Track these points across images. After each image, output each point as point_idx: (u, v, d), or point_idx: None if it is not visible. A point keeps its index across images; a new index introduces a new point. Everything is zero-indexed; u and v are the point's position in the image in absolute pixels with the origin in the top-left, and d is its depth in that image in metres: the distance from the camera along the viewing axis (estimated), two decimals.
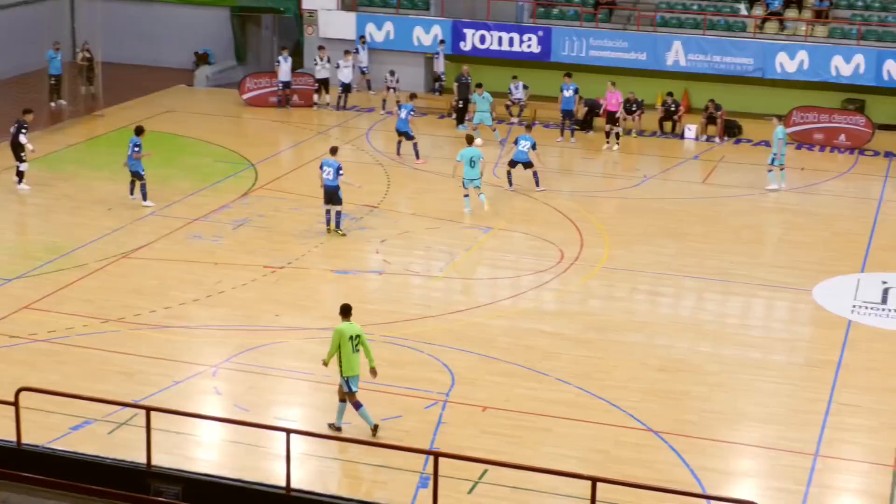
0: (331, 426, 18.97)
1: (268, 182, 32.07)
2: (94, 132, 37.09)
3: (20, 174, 30.86)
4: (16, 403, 15.25)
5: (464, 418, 19.51)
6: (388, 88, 40.49)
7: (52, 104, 39.74)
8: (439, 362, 21.50)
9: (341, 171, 27.92)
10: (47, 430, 18.14)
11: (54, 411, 18.60)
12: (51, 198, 30.36)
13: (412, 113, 34.71)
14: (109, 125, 37.68)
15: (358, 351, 18.73)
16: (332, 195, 28.04)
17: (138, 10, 47.38)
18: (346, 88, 40.82)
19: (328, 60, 41.10)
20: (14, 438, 15.35)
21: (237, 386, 20.60)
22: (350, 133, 37.79)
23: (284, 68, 40.59)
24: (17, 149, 30.73)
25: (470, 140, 30.71)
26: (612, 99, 36.52)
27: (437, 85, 42.59)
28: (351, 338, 18.62)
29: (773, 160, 32.11)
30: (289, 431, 14.84)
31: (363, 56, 42.46)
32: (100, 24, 41.62)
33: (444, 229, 28.73)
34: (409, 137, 34.39)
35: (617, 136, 36.50)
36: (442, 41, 41.51)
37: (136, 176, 29.81)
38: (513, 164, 31.97)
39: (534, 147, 31.68)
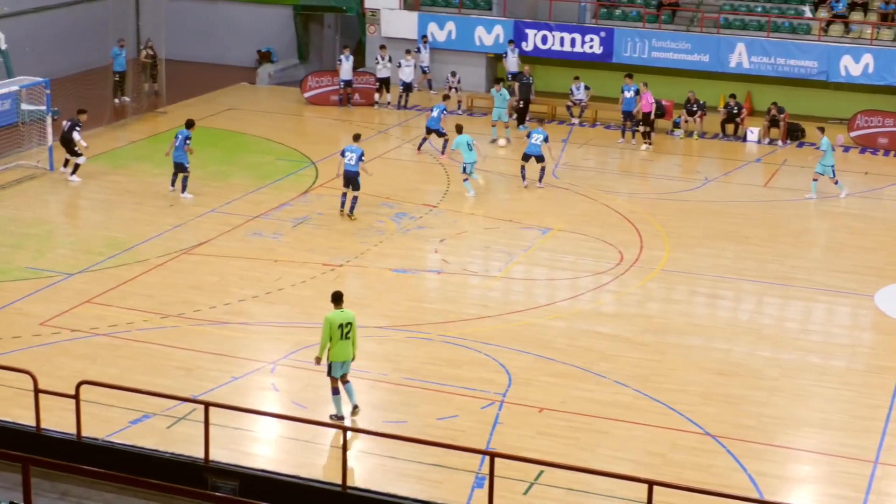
0: (333, 417, 19.01)
1: (328, 180, 32.18)
2: (157, 129, 37.39)
3: (75, 167, 31.24)
4: (76, 397, 15.44)
5: (520, 419, 19.50)
6: (450, 88, 40.53)
7: (116, 100, 40.08)
8: (496, 362, 21.50)
9: (363, 158, 28.87)
10: (107, 423, 18.31)
11: (114, 405, 18.78)
12: (113, 193, 30.64)
13: (444, 112, 34.96)
14: (172, 122, 37.92)
15: (348, 339, 18.81)
16: (352, 180, 28.90)
17: (202, 8, 47.73)
18: (407, 88, 40.91)
19: (389, 60, 41.21)
20: (74, 431, 15.55)
21: (294, 383, 20.70)
22: (410, 132, 37.86)
23: (346, 67, 40.74)
24: (69, 144, 31.26)
25: (459, 129, 31.78)
26: (645, 100, 36.40)
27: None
28: (341, 325, 18.75)
29: (824, 170, 31.58)
30: (345, 429, 14.95)
31: (425, 55, 42.53)
32: (164, 21, 41.97)
33: (502, 229, 28.72)
34: (441, 134, 34.67)
35: (648, 136, 36.40)
36: (511, 41, 41.44)
37: (180, 168, 30.22)
38: (526, 157, 32.10)
39: (546, 140, 31.92)
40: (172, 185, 30.53)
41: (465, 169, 31.16)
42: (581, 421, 19.48)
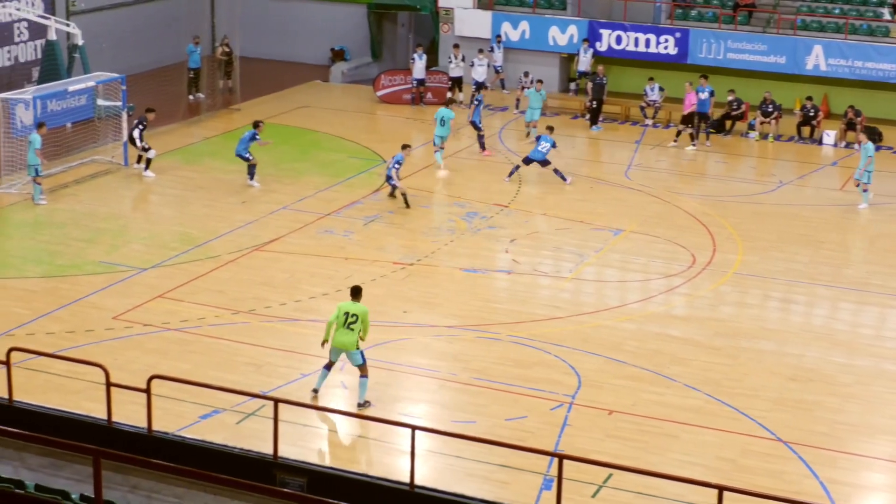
0: (362, 405, 19.59)
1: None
2: (231, 126, 37.65)
3: (147, 161, 31.55)
4: (147, 391, 15.55)
5: (589, 421, 19.41)
6: (523, 88, 40.44)
7: (191, 97, 40.42)
8: (566, 364, 21.42)
9: (398, 166, 29.47)
10: (177, 417, 18.45)
11: (184, 400, 18.91)
12: (186, 189, 30.87)
13: (481, 105, 35.19)
14: (245, 119, 38.12)
15: (350, 329, 19.32)
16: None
17: (277, 6, 47.98)
18: (480, 87, 40.88)
19: (463, 59, 41.20)
20: (145, 425, 15.65)
21: None
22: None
23: (419, 66, 40.79)
24: (134, 142, 31.70)
25: (448, 102, 34.67)
26: (689, 100, 36.13)
27: (572, 85, 42.47)
28: (346, 313, 19.34)
29: (861, 177, 30.91)
30: (414, 428, 14.90)
31: (498, 55, 42.49)
32: (239, 18, 42.26)
33: (574, 230, 28.62)
34: (477, 128, 34.88)
35: (691, 136, 36.17)
36: (586, 40, 41.28)
37: (243, 159, 30.66)
38: (527, 161, 32.27)
39: (554, 146, 32.18)
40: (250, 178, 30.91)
41: (435, 141, 32.97)
42: (651, 424, 19.36)
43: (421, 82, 40.95)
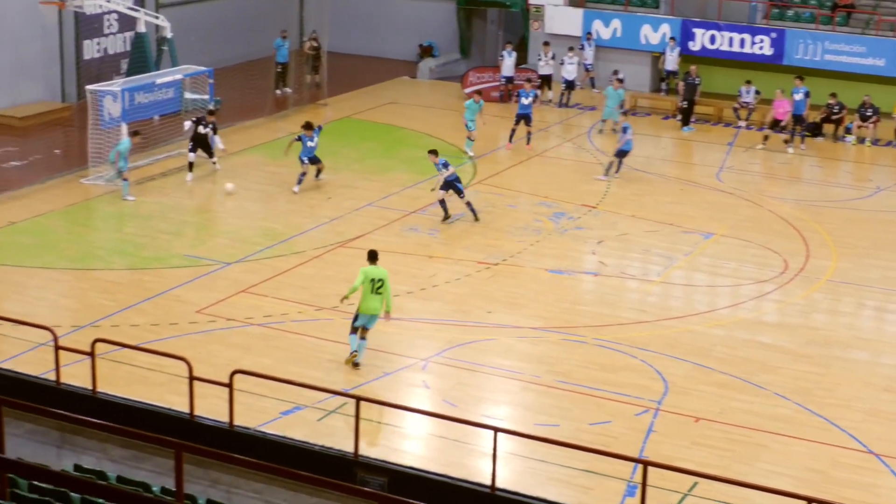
0: (354, 363, 20.80)
1: (486, 177, 32.26)
2: (317, 121, 37.72)
3: (189, 165, 31.32)
4: (230, 385, 15.70)
5: (675, 428, 19.29)
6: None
7: (278, 91, 40.71)
8: (652, 369, 21.31)
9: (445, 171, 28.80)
10: (258, 413, 18.60)
11: (266, 395, 19.06)
12: (271, 184, 31.10)
13: (536, 98, 35.29)
14: (332, 115, 38.41)
15: (378, 294, 20.63)
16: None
17: (365, 1, 48.20)
18: (570, 86, 40.79)
19: (552, 57, 41.13)
20: (227, 419, 15.80)
21: (446, 381, 20.79)
22: (571, 131, 37.74)
23: (508, 63, 40.78)
24: (199, 141, 31.33)
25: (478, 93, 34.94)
26: (780, 107, 35.71)
27: (663, 84, 42.23)
28: (373, 280, 20.58)
29: None
30: (496, 430, 14.91)
31: (588, 53, 42.36)
32: (328, 13, 42.51)
33: (663, 233, 28.45)
34: (529, 121, 34.97)
35: (786, 140, 35.76)
36: (672, 38, 41.07)
37: (312, 161, 30.47)
38: (620, 154, 32.55)
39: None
40: (317, 176, 30.90)
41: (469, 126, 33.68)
42: (739, 433, 19.20)
43: (509, 80, 40.93)
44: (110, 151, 30.04)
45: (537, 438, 16.56)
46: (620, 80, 37.26)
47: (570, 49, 41.39)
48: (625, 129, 32.36)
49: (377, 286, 20.64)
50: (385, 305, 20.80)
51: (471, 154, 33.78)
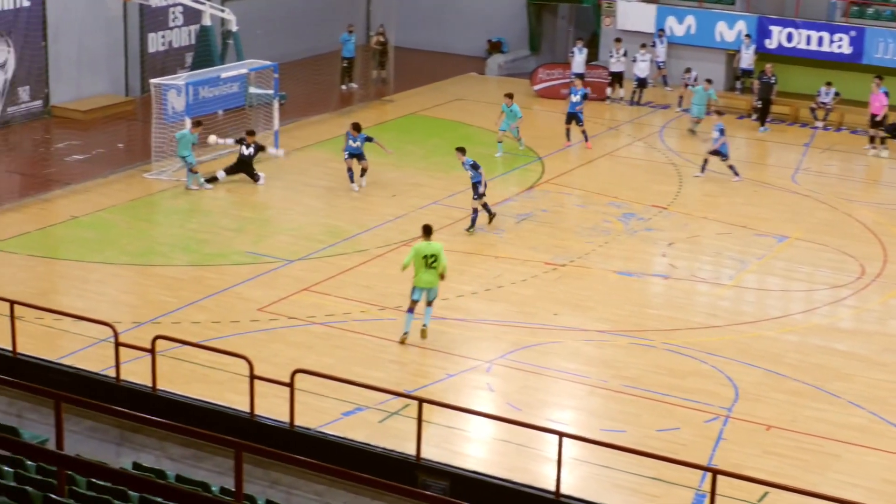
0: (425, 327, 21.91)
1: (554, 176, 32.21)
2: (383, 117, 37.98)
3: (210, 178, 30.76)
4: (291, 385, 15.77)
5: (746, 436, 19.15)
6: (686, 86, 40.05)
7: (343, 87, 40.85)
8: (723, 375, 21.17)
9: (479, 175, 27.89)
10: (319, 413, 18.67)
11: (327, 395, 19.13)
12: (335, 181, 31.18)
13: (585, 97, 35.00)
14: (398, 111, 38.53)
15: (432, 268, 21.60)
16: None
17: None
18: (642, 83, 40.61)
19: (624, 53, 40.97)
20: (287, 419, 15.88)
21: (510, 384, 20.77)
22: (642, 130, 37.58)
23: (578, 60, 40.66)
24: (243, 164, 30.80)
25: (510, 96, 34.30)
26: (876, 101, 35.28)
27: (738, 83, 41.94)
28: (426, 256, 21.59)
29: None
30: (561, 435, 14.87)
31: (661, 50, 42.16)
32: (395, 7, 42.59)
33: (736, 235, 28.25)
34: (580, 122, 34.79)
35: (882, 140, 35.28)
36: (748, 35, 40.77)
37: (353, 155, 30.36)
38: (715, 154, 32.36)
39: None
40: (361, 175, 30.81)
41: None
42: (811, 442, 19.03)
43: (580, 77, 40.78)
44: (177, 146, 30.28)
45: (603, 444, 16.51)
46: (709, 81, 37.05)
47: (643, 46, 41.21)
48: (720, 131, 32.09)
49: (430, 261, 21.61)
50: (438, 279, 21.78)
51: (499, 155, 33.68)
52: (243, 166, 30.85)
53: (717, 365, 21.53)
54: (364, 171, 30.66)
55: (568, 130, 35.07)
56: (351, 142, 30.38)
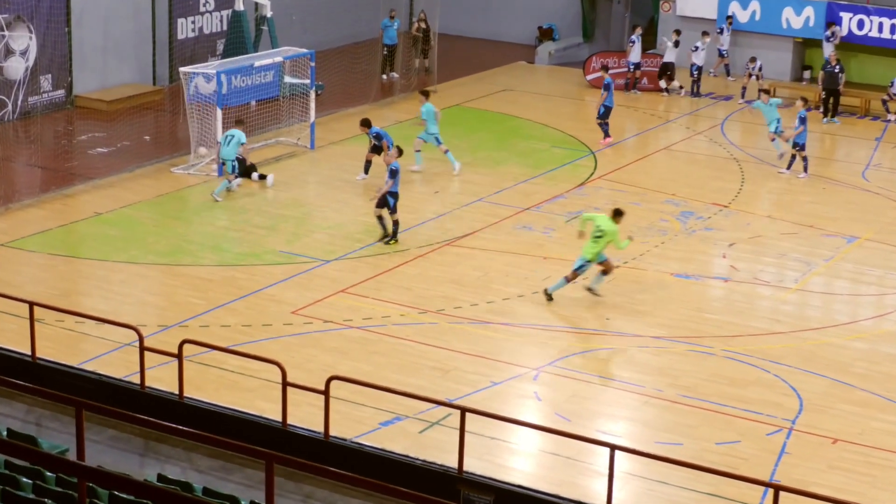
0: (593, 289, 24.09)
1: (607, 172, 32.17)
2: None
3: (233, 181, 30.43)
4: (326, 392, 15.83)
5: (810, 450, 19.09)
6: (749, 76, 39.91)
7: (384, 76, 40.89)
8: (786, 384, 21.10)
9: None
10: (356, 423, 18.74)
11: (364, 404, 19.20)
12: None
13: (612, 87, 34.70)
14: (441, 102, 38.48)
15: (597, 241, 23.64)
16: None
17: None
18: (700, 72, 40.48)
19: (676, 43, 40.69)
20: (321, 429, 15.94)
21: (559, 392, 20.77)
22: (702, 123, 37.48)
23: (637, 48, 40.49)
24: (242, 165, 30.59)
25: (426, 94, 32.51)
26: None
27: (806, 73, 41.76)
28: (598, 227, 23.71)
29: None
30: (613, 447, 14.87)
31: (724, 38, 42.03)
32: None
33: (802, 235, 28.16)
34: (606, 116, 34.62)
35: None
36: (831, 23, 40.49)
37: (375, 152, 30.49)
38: (797, 146, 32.42)
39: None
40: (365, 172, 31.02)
41: (437, 140, 31.80)
42: (880, 456, 18.95)
43: (637, 66, 40.71)
44: (221, 149, 29.86)
45: (658, 458, 16.48)
46: (766, 91, 36.31)
47: (704, 33, 41.08)
48: (801, 119, 31.87)
49: (597, 234, 23.69)
50: (614, 245, 23.84)
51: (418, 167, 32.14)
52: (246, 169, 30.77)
53: (780, 374, 21.46)
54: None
55: (606, 125, 34.70)
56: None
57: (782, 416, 20.00)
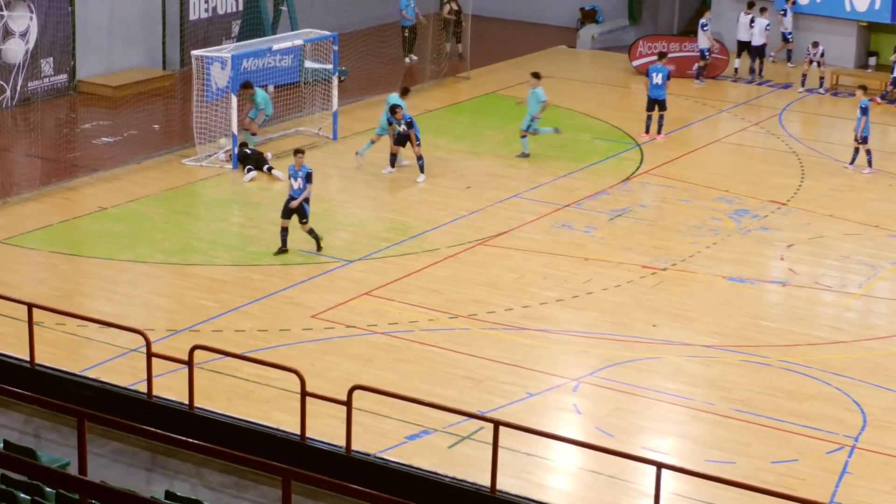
0: None
1: (655, 166, 32.13)
2: (457, 97, 38.06)
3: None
4: (348, 403, 15.85)
5: (874, 469, 19.04)
6: (810, 62, 39.76)
7: (407, 60, 40.87)
8: (849, 398, 21.05)
9: None
10: (380, 436, 18.77)
11: (389, 416, 19.23)
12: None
13: (666, 77, 34.48)
14: (474, 90, 38.59)
15: None
16: None
17: None
18: (759, 54, 40.31)
19: (752, 21, 40.52)
20: (343, 443, 15.96)
21: (600, 405, 20.76)
22: (760, 112, 37.38)
23: (703, 35, 40.15)
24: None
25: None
26: None
27: (871, 59, 41.61)
28: None
29: None
30: (659, 465, 14.85)
31: (787, 20, 41.87)
32: None
33: (867, 236, 28.07)
34: (663, 107, 34.45)
35: None
36: None
37: (400, 143, 30.68)
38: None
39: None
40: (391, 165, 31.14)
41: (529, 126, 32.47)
42: None
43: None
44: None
45: (709, 478, 16.46)
46: (863, 88, 36.02)
47: (763, 10, 40.87)
48: (862, 109, 31.66)
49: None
50: None
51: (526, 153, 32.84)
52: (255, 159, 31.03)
53: (843, 387, 21.41)
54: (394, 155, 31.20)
55: (649, 118, 34.60)
56: (397, 126, 30.52)
57: (844, 433, 19.95)
